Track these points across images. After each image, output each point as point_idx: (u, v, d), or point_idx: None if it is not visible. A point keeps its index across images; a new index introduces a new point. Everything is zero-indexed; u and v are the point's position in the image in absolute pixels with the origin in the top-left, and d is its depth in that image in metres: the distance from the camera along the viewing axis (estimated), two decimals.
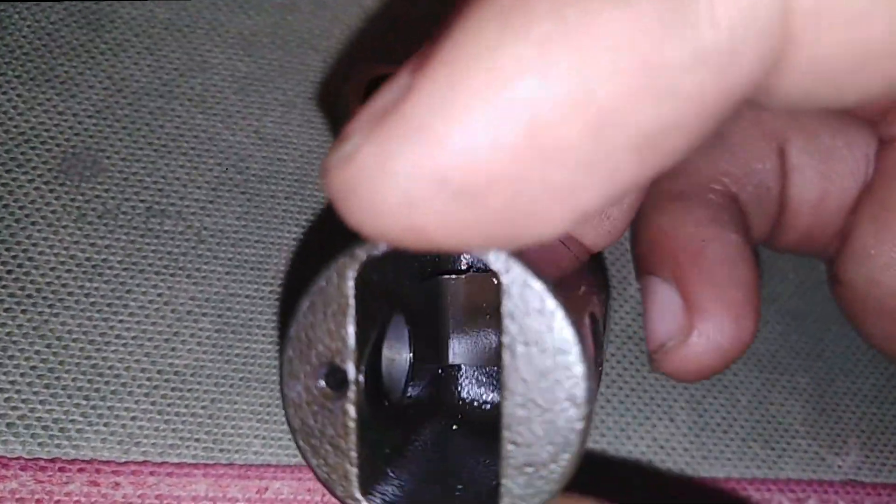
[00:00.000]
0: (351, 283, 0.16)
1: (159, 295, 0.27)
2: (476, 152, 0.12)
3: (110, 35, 0.30)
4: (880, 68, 0.14)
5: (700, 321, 0.23)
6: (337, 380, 0.17)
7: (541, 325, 0.15)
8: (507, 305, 0.16)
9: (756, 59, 0.13)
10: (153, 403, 0.25)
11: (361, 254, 0.16)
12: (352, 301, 0.16)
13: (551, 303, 0.15)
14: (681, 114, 0.13)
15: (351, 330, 0.16)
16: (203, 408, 0.26)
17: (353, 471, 0.17)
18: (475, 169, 0.13)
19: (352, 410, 0.17)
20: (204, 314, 0.27)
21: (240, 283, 0.28)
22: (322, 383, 0.17)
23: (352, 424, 0.17)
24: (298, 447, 0.17)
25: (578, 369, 0.15)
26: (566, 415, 0.16)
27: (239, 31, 0.31)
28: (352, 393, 0.17)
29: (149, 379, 0.26)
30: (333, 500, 0.26)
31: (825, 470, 0.30)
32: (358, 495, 0.17)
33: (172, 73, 0.30)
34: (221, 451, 0.25)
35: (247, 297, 0.27)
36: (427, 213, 0.13)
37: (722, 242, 0.24)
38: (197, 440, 0.25)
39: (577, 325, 0.16)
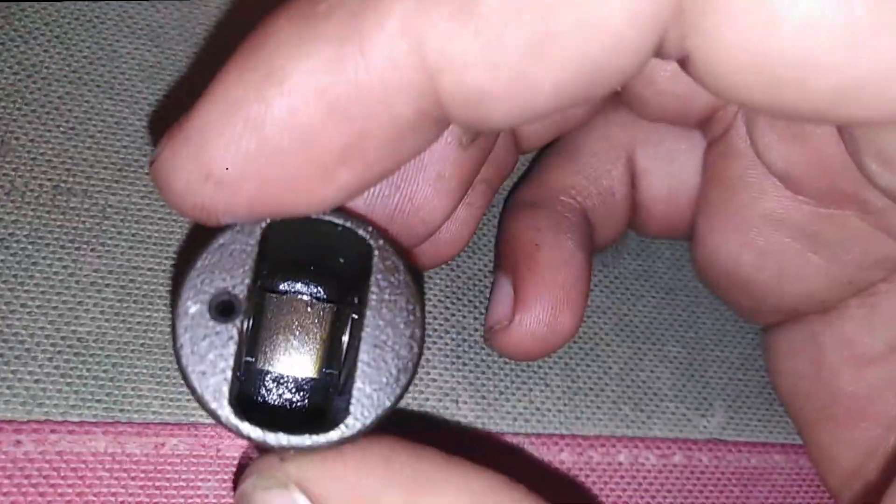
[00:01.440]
0: (257, 237, 0.21)
1: (64, 267, 0.28)
2: (222, 155, 0.18)
3: (21, 24, 0.31)
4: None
5: (520, 312, 0.28)
6: (228, 308, 0.20)
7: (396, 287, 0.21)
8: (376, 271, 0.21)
9: (413, 95, 0.18)
10: (56, 367, 0.27)
11: (265, 220, 0.21)
12: (254, 249, 0.21)
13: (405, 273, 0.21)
14: (361, 131, 0.18)
15: (249, 269, 0.20)
16: (104, 371, 0.27)
17: (226, 390, 0.20)
18: (223, 167, 0.18)
19: (235, 335, 0.20)
20: (107, 285, 0.29)
21: (142, 257, 0.29)
22: (213, 309, 0.20)
23: (233, 348, 0.20)
24: (180, 363, 0.20)
25: (419, 318, 0.21)
26: (408, 350, 0.21)
27: (147, 23, 0.33)
28: (238, 321, 0.20)
29: (53, 345, 0.27)
30: (227, 454, 0.28)
31: (691, 430, 0.33)
32: (226, 411, 0.20)
33: (82, 62, 0.32)
34: (121, 410, 0.27)
35: (149, 269, 0.29)
36: (203, 195, 0.19)
37: (555, 248, 0.29)
38: (98, 401, 0.27)
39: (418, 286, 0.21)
